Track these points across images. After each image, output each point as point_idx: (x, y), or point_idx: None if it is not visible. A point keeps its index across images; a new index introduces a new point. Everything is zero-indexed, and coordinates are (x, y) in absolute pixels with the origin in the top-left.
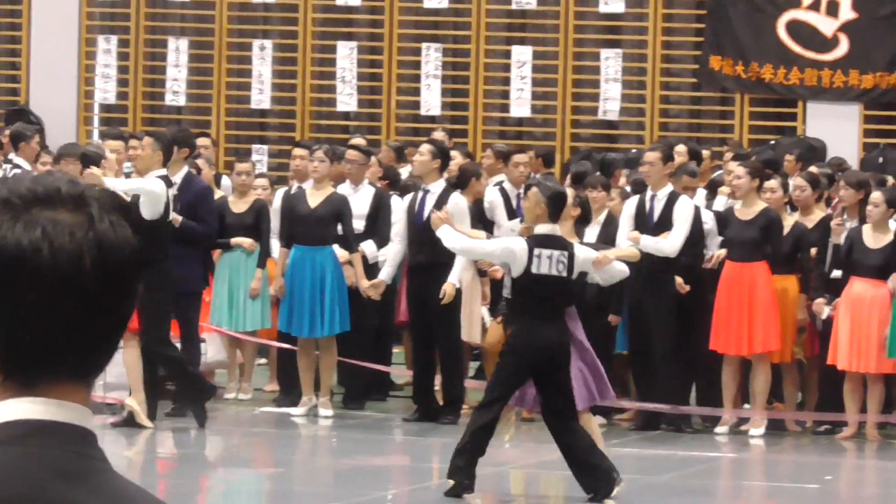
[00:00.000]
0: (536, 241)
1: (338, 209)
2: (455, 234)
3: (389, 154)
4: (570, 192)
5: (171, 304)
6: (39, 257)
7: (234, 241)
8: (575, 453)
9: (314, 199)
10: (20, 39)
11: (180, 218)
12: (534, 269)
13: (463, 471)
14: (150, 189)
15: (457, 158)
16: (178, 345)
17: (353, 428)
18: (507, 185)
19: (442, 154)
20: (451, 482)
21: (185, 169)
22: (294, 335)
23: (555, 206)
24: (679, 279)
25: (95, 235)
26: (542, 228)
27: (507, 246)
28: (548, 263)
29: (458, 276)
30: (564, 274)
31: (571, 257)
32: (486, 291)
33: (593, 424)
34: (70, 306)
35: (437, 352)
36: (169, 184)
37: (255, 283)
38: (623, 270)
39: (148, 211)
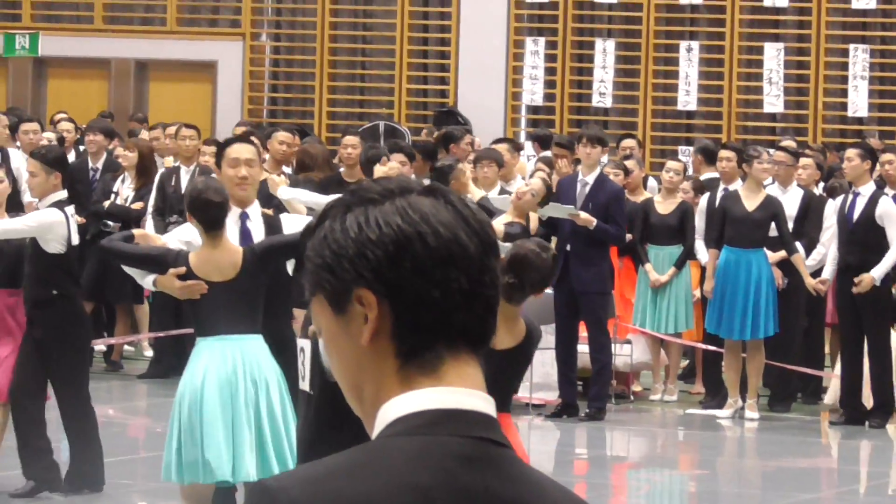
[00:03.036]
0: None
1: (774, 211)
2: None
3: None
4: None
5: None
6: (424, 237)
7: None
8: None
9: (750, 201)
10: (449, 42)
11: (594, 220)
12: None
13: None
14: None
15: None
16: (587, 345)
17: (779, 430)
18: None
19: (871, 156)
20: None
21: (598, 170)
22: (723, 337)
23: None
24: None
25: (455, 209)
26: None
27: None
28: None
29: (883, 271)
30: None
31: None
32: None
33: None
34: (459, 272)
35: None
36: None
37: (663, 277)
38: None
39: None
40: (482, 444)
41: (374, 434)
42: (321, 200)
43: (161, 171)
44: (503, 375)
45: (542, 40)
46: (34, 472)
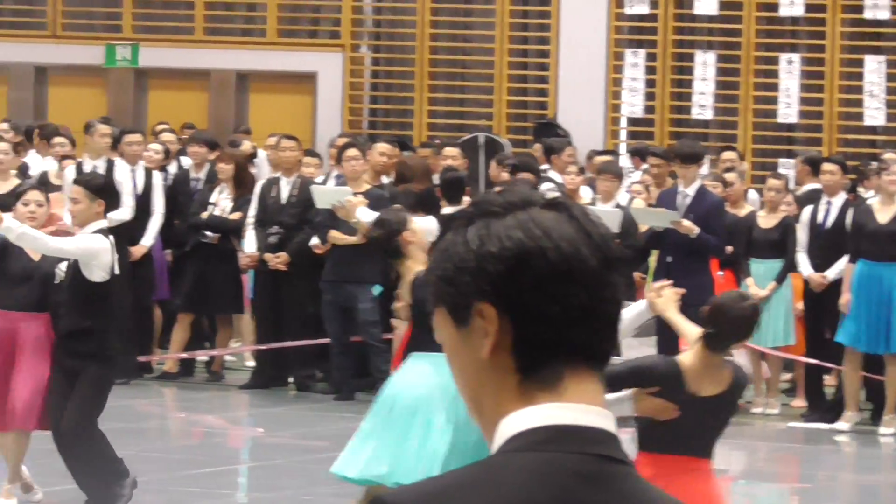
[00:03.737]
0: None
1: None
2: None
3: None
4: None
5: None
6: (545, 252)
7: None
8: None
9: (882, 213)
10: (549, 53)
11: (696, 229)
12: None
13: None
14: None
15: None
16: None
17: (881, 445)
18: None
19: None
20: None
21: (698, 182)
22: (863, 350)
23: None
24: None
25: (578, 224)
26: None
27: None
28: None
29: None
30: None
31: None
32: None
33: None
34: (579, 288)
35: None
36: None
37: (763, 291)
38: None
39: None
40: (600, 462)
41: (493, 448)
42: None
43: (261, 182)
44: (706, 422)
45: (641, 52)
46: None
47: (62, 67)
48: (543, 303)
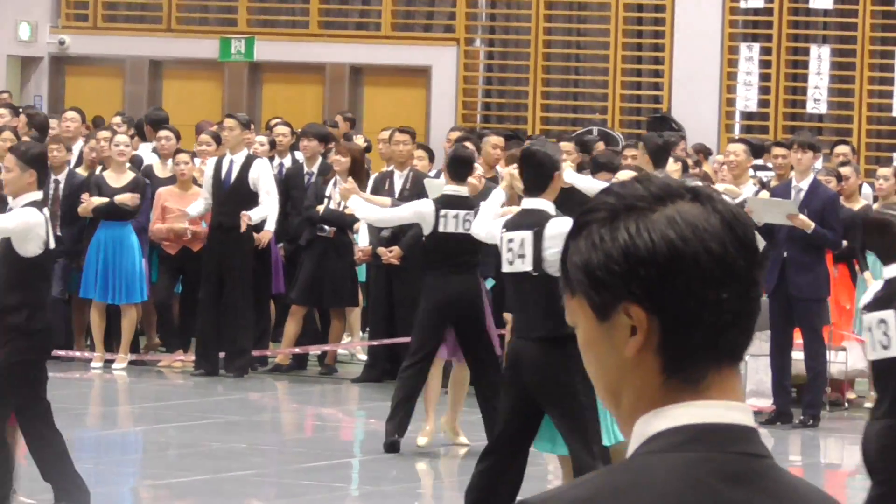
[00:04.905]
0: None
1: None
2: (365, 205)
3: None
4: None
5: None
6: (696, 255)
7: None
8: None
9: None
10: (663, 47)
11: (812, 224)
12: None
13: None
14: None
15: None
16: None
17: None
18: None
19: None
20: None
21: (812, 176)
22: None
23: None
24: None
25: (723, 218)
26: None
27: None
28: None
29: None
30: None
31: None
32: None
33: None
34: (729, 291)
35: None
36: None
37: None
38: None
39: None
40: (744, 459)
41: (632, 446)
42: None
43: (374, 175)
44: None
45: (756, 46)
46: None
47: (177, 61)
48: (694, 307)
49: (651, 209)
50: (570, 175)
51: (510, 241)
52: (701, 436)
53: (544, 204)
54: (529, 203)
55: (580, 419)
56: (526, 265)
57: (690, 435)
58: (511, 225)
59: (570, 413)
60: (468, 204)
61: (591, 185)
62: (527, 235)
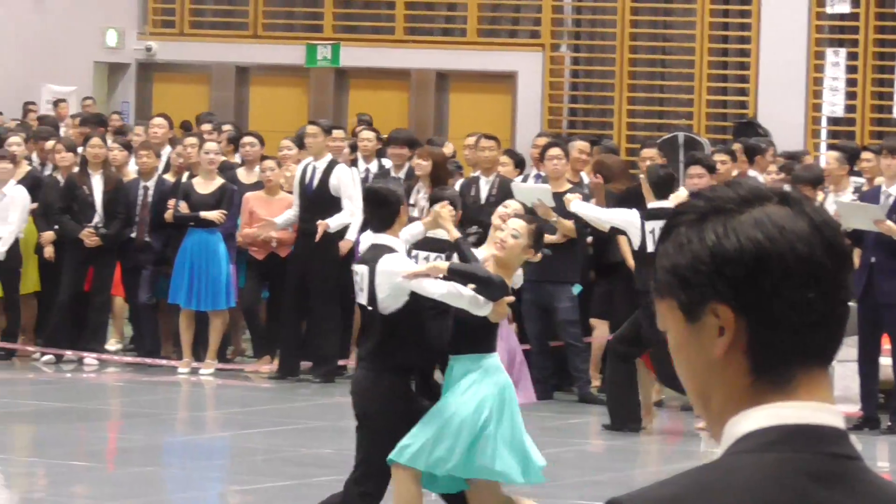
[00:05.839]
0: None
1: None
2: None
3: None
4: None
5: None
6: (784, 256)
7: None
8: None
9: None
10: (749, 52)
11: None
12: None
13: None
14: None
15: None
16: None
17: None
18: None
19: None
20: None
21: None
22: None
23: None
24: None
25: (811, 221)
26: None
27: None
28: None
29: None
30: None
31: None
32: None
33: None
34: (816, 292)
35: None
36: None
37: None
38: None
39: None
40: (833, 460)
41: (722, 447)
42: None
43: (460, 181)
44: None
45: (843, 51)
46: None
47: (263, 67)
48: (781, 308)
49: (739, 211)
50: (576, 205)
51: (356, 273)
52: (790, 436)
53: (390, 240)
54: (377, 239)
55: (377, 454)
56: (362, 299)
57: (780, 435)
58: (359, 259)
59: (376, 444)
60: None
61: (596, 214)
62: (364, 270)
